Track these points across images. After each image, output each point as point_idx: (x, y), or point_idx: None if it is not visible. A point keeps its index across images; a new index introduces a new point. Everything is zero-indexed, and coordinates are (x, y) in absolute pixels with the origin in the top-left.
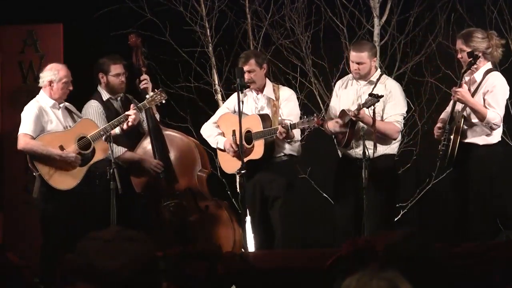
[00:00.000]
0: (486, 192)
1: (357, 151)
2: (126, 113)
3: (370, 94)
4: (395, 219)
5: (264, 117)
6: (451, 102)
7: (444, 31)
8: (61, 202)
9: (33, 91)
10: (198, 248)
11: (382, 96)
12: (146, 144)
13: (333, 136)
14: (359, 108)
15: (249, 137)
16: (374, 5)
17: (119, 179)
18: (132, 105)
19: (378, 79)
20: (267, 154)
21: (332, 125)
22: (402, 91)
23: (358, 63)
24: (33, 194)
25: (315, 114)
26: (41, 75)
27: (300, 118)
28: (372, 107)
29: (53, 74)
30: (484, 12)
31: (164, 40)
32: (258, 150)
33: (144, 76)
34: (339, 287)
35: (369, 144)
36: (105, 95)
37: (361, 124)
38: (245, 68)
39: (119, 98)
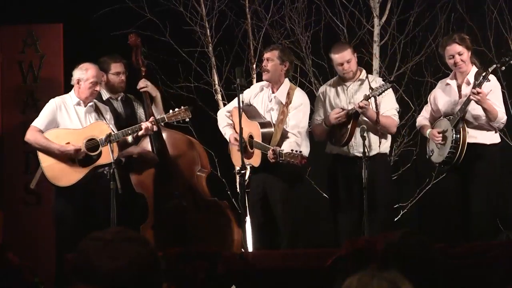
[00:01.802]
0: (490, 192)
1: (356, 149)
2: (142, 124)
3: (384, 80)
4: (395, 219)
5: (264, 125)
6: (448, 103)
7: (444, 31)
8: (68, 200)
9: (33, 91)
10: (198, 248)
11: (394, 81)
12: (146, 144)
13: (331, 135)
14: (367, 98)
15: (251, 142)
16: (374, 5)
17: (119, 179)
18: (151, 118)
19: (366, 77)
20: (265, 163)
21: (335, 115)
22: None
23: (347, 61)
24: (31, 185)
25: (302, 154)
26: (73, 72)
27: (291, 150)
28: (375, 101)
29: (81, 73)
30: (484, 12)
31: (164, 40)
32: (256, 159)
33: (144, 81)
34: (339, 287)
35: (367, 141)
36: (105, 95)
37: (363, 118)
38: (266, 55)
39: (119, 98)
